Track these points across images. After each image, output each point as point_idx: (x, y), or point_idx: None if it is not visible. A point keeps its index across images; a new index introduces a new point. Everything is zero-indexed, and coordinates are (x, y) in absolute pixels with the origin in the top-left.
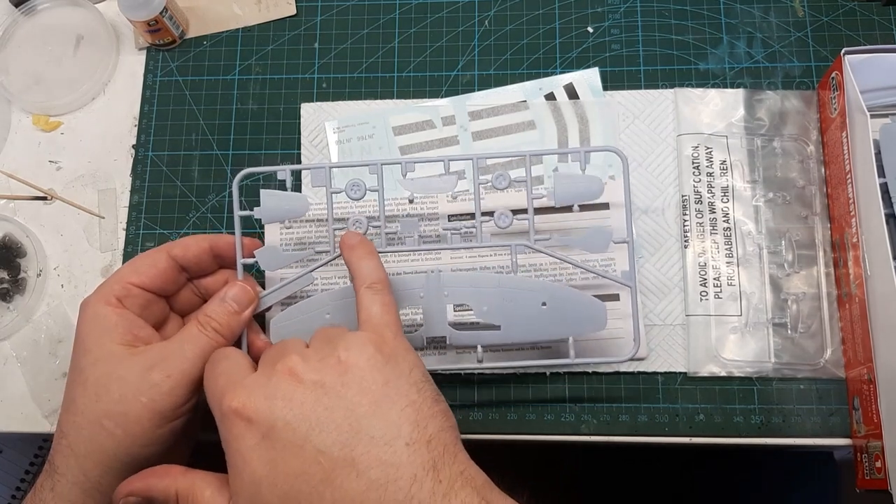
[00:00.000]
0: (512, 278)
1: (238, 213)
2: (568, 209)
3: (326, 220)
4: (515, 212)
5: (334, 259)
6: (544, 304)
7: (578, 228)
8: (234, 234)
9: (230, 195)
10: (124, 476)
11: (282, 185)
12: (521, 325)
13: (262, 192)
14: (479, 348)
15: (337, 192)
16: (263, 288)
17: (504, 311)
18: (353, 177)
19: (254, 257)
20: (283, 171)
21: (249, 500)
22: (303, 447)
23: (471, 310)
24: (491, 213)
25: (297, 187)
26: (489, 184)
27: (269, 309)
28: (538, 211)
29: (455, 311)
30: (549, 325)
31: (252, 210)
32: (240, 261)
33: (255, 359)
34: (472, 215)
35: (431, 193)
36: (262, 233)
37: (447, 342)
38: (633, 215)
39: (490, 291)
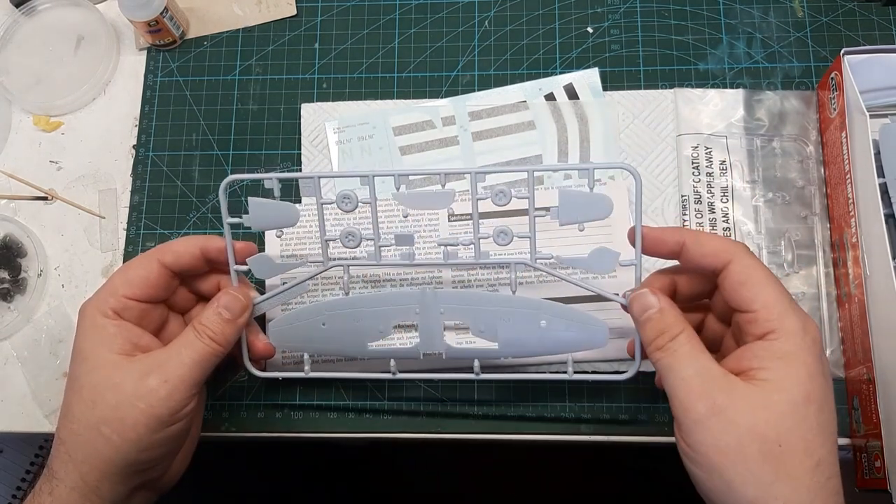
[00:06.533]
0: (510, 298)
1: (227, 219)
2: None
3: (319, 230)
4: (514, 212)
5: (327, 270)
6: (543, 323)
7: (576, 236)
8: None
9: (231, 196)
10: (122, 480)
11: (267, 193)
12: (519, 345)
13: (251, 200)
14: (477, 363)
15: (328, 203)
16: (265, 289)
17: (502, 330)
18: (344, 188)
19: (246, 264)
20: (271, 180)
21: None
22: None
23: (467, 328)
24: (492, 218)
25: (289, 189)
26: (488, 199)
27: (264, 312)
28: (535, 211)
29: (454, 332)
30: (547, 345)
31: (241, 217)
32: (233, 267)
33: (256, 358)
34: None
35: (427, 210)
36: (263, 233)
37: (444, 357)
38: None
39: (487, 310)
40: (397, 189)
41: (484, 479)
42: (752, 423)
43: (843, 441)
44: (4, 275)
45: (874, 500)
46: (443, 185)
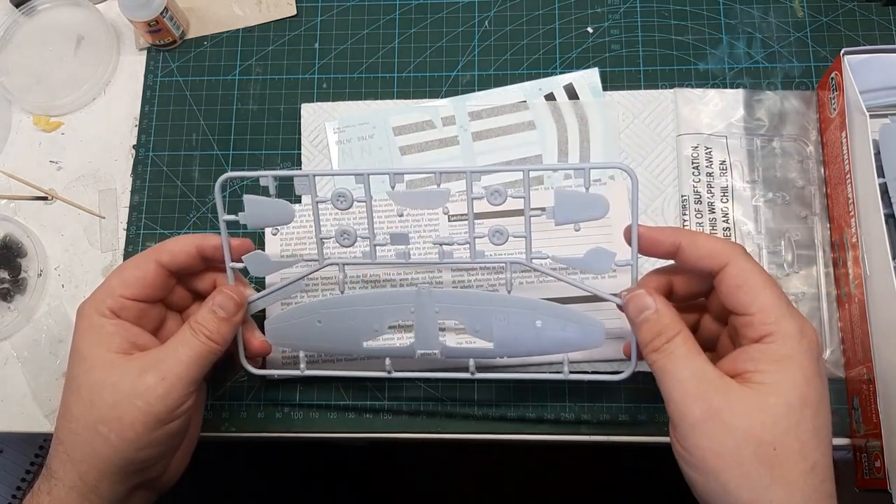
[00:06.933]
0: (506, 297)
1: (223, 217)
2: None
3: (314, 229)
4: (512, 213)
5: (323, 268)
6: (539, 323)
7: (574, 236)
8: (229, 234)
9: (231, 196)
10: (121, 480)
11: (265, 191)
12: (515, 344)
13: (246, 197)
14: (472, 363)
15: (323, 202)
16: (266, 287)
17: (497, 329)
18: (340, 186)
19: (242, 262)
20: (266, 178)
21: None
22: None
23: (463, 328)
24: (490, 218)
25: (288, 188)
26: (484, 198)
27: (263, 309)
28: (531, 210)
29: (453, 332)
30: (543, 344)
31: (238, 215)
32: (229, 265)
33: (253, 356)
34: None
35: (422, 209)
36: (262, 232)
37: (439, 356)
38: None
39: (483, 309)
40: (392, 188)
41: (484, 479)
42: (748, 425)
43: (843, 441)
44: (4, 275)
45: (874, 500)
46: (438, 185)
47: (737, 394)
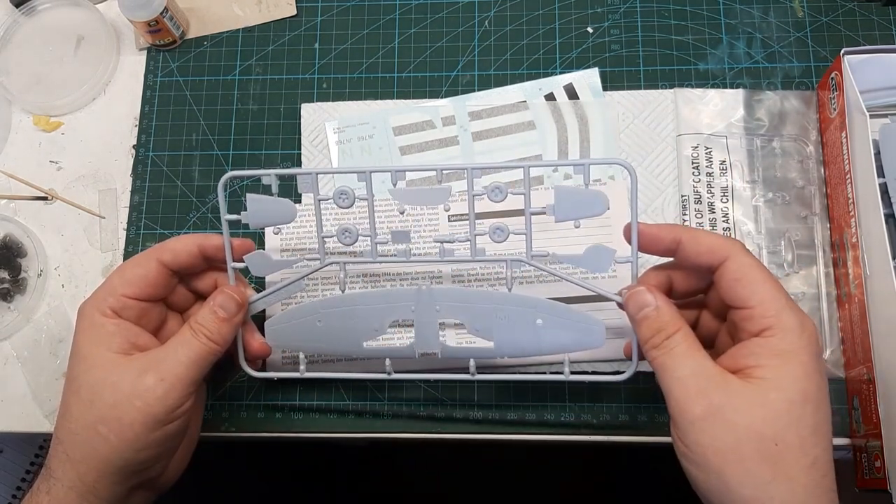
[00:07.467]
0: (507, 295)
1: (225, 216)
2: None
3: (316, 227)
4: (512, 212)
5: (324, 267)
6: (540, 321)
7: (575, 235)
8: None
9: (230, 196)
10: (120, 480)
11: (267, 189)
12: (515, 343)
13: (248, 196)
14: (472, 364)
15: (325, 200)
16: (266, 287)
17: (498, 328)
18: (342, 184)
19: (244, 261)
20: (269, 176)
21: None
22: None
23: (464, 326)
24: (490, 218)
25: (288, 188)
26: (484, 196)
27: (263, 310)
28: (533, 212)
29: (454, 330)
30: (544, 343)
31: (240, 214)
32: (230, 265)
33: (252, 358)
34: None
35: (422, 206)
36: (262, 232)
37: (439, 357)
38: None
39: (483, 308)
40: (394, 185)
41: (484, 479)
42: (749, 422)
43: (843, 441)
44: (4, 275)
45: (874, 500)
46: (439, 182)
47: (737, 390)
